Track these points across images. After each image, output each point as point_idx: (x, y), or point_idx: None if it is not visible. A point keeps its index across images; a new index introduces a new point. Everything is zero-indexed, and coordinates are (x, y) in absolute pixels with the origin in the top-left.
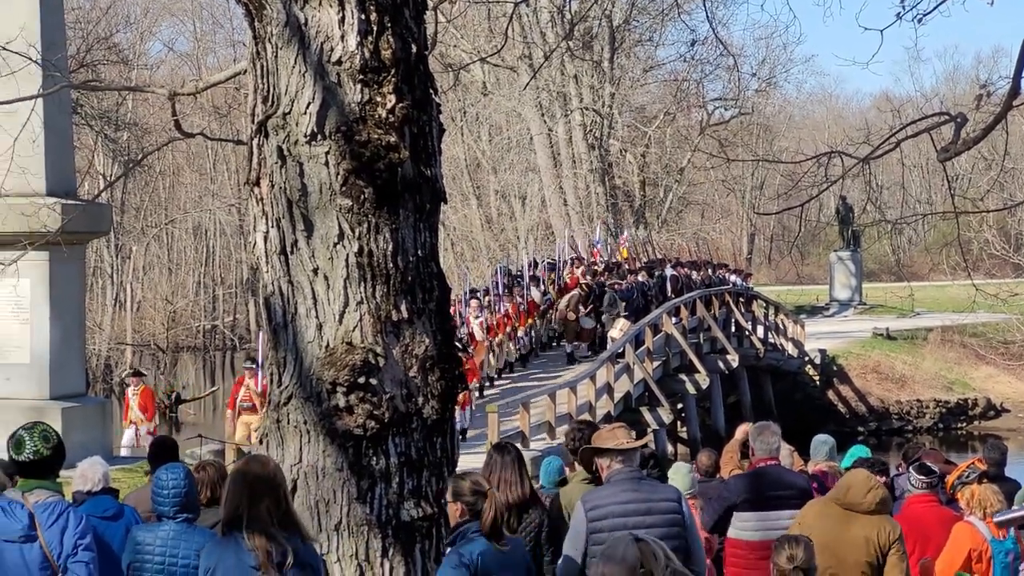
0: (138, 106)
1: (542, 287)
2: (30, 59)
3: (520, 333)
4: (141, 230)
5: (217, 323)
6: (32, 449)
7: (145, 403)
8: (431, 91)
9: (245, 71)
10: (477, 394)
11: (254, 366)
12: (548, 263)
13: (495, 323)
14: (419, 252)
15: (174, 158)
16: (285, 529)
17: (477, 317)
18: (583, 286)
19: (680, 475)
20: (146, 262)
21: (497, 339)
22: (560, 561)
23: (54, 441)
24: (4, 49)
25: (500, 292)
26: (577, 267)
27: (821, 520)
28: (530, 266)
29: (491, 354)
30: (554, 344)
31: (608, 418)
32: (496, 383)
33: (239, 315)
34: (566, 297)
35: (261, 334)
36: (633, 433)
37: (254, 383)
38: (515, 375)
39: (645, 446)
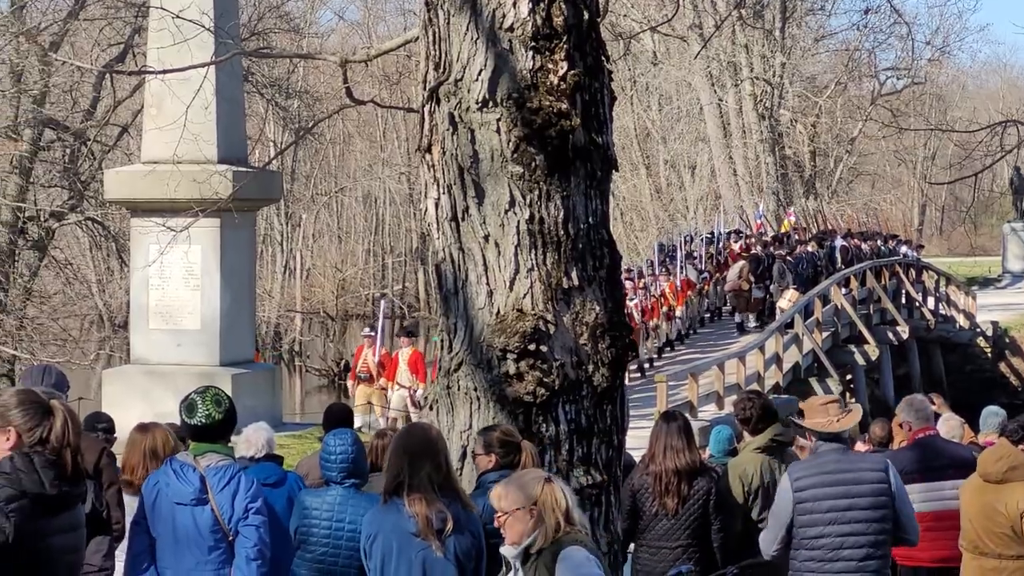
0: (308, 74)
1: (698, 264)
2: (203, 27)
3: (677, 313)
4: (311, 198)
5: (386, 291)
6: (204, 413)
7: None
8: (603, 58)
9: (416, 38)
10: (638, 373)
11: (373, 334)
12: (707, 237)
13: (650, 305)
14: (590, 219)
15: (344, 126)
16: (445, 495)
17: (632, 299)
18: (751, 257)
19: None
20: (316, 230)
21: (653, 322)
22: (764, 532)
23: (226, 405)
24: (178, 17)
25: (656, 272)
26: (735, 241)
27: (969, 493)
28: (686, 241)
29: (648, 337)
30: (712, 319)
31: (777, 389)
32: (661, 357)
33: (408, 284)
34: (736, 266)
35: (382, 303)
36: (842, 408)
37: (371, 353)
38: (684, 346)
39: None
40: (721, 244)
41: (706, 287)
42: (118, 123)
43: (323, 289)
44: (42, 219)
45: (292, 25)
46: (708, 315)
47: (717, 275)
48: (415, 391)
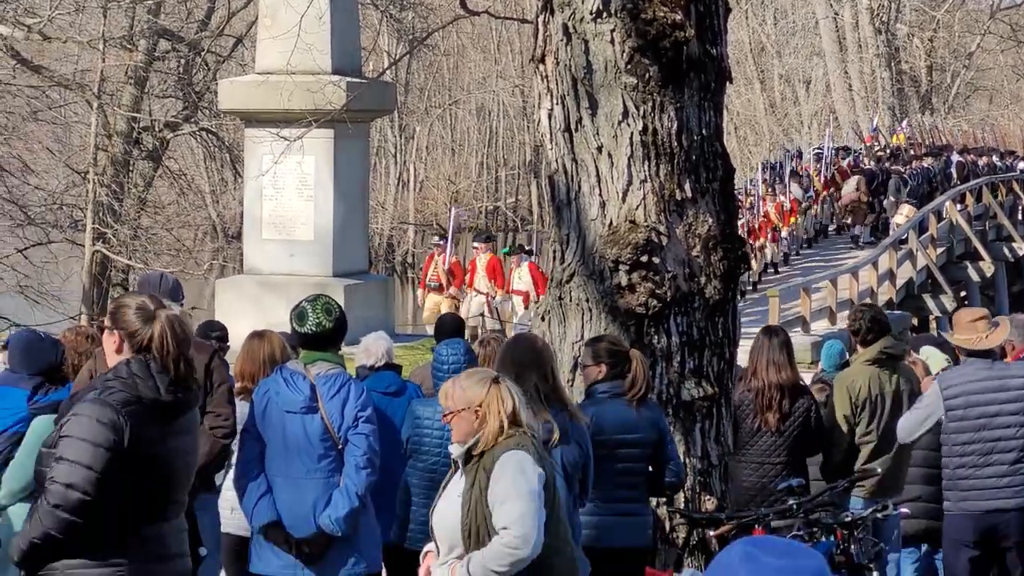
0: None
1: (804, 182)
2: None
3: (783, 234)
4: (425, 110)
5: (499, 204)
6: (314, 321)
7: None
8: None
9: None
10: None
11: (442, 243)
12: (815, 152)
13: (757, 226)
14: (703, 131)
15: (459, 38)
16: (552, 406)
17: (739, 219)
18: (865, 171)
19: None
20: (429, 142)
21: (759, 243)
22: (906, 417)
23: (336, 313)
24: None
25: (761, 191)
26: (843, 157)
27: None
28: (793, 158)
29: (752, 258)
30: (817, 239)
31: (890, 305)
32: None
33: (521, 196)
34: (852, 180)
35: (452, 210)
36: (990, 324)
37: (442, 261)
38: (787, 267)
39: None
40: (830, 160)
41: (813, 205)
42: (232, 33)
43: (436, 201)
44: (156, 129)
45: None
46: (814, 235)
47: (824, 193)
48: (493, 297)
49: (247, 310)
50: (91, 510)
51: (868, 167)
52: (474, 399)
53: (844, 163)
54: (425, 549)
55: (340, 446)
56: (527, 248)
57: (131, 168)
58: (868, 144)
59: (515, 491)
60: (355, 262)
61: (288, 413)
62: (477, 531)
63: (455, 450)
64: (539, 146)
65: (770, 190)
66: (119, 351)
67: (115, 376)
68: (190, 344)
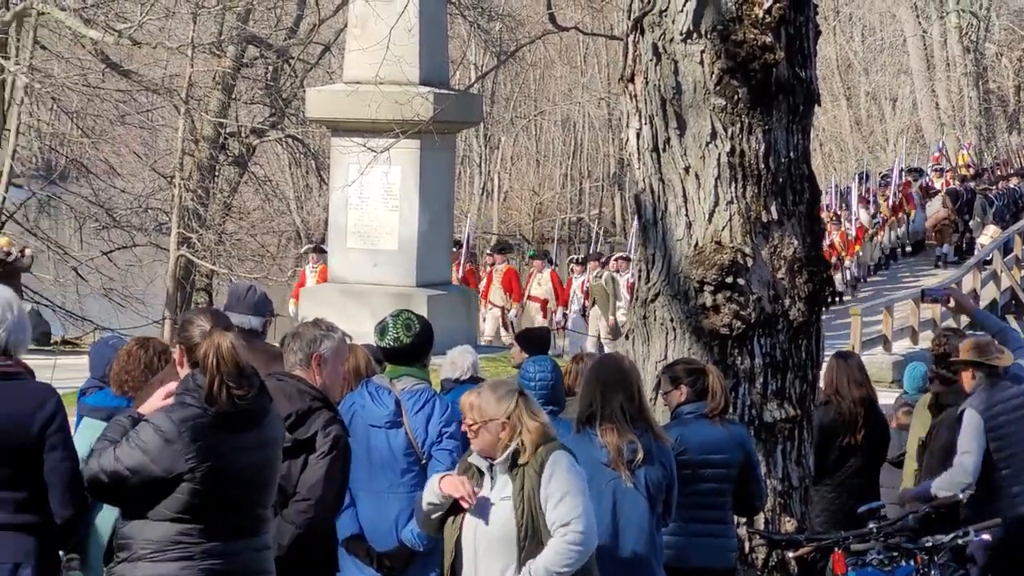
0: None
1: (871, 208)
2: None
3: (847, 263)
4: (510, 121)
5: (583, 215)
6: (393, 336)
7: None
8: None
9: None
10: None
11: (455, 251)
12: (882, 176)
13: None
14: (791, 154)
15: (546, 50)
16: (637, 426)
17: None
18: (950, 191)
19: None
20: (514, 153)
21: None
22: (960, 457)
23: (415, 329)
24: None
25: (827, 218)
26: (915, 179)
27: None
28: (861, 180)
29: None
30: (885, 266)
31: (972, 325)
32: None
33: (604, 208)
34: (937, 199)
35: (468, 219)
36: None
37: (455, 269)
38: (879, 278)
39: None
40: (898, 183)
41: (880, 232)
42: (320, 41)
43: (520, 212)
44: (243, 135)
45: None
46: (882, 261)
47: (893, 218)
48: (508, 310)
49: (332, 319)
50: (112, 496)
51: (952, 186)
52: (502, 411)
53: (916, 185)
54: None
55: (423, 461)
56: (550, 257)
57: (217, 173)
58: (935, 163)
59: (572, 488)
60: (439, 272)
61: (373, 427)
62: (535, 531)
63: (482, 462)
64: (624, 160)
65: (834, 217)
66: (181, 364)
67: (184, 390)
68: (238, 367)
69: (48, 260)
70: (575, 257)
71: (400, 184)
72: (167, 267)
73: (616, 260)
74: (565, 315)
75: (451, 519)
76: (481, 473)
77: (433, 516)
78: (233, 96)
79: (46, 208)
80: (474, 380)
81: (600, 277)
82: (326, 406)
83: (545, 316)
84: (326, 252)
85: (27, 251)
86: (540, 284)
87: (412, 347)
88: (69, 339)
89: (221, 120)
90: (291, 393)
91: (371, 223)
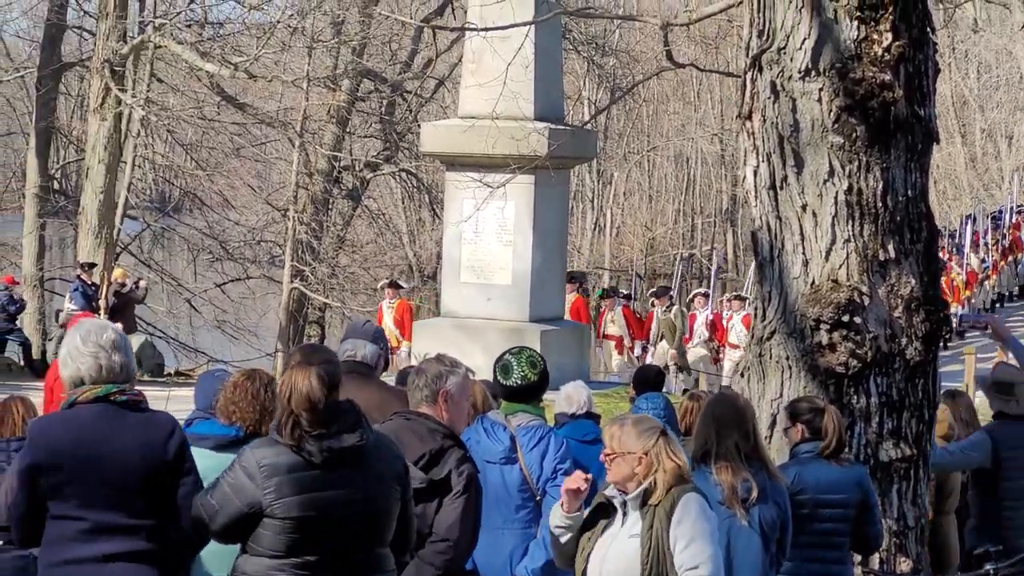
0: (626, 33)
1: (981, 252)
2: None
3: (953, 310)
4: (623, 156)
5: (694, 251)
6: (520, 375)
7: (402, 317)
8: (928, 29)
9: (738, 3)
10: None
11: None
12: (992, 216)
13: None
14: (908, 192)
15: (659, 86)
16: (752, 465)
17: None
18: None
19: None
20: (627, 188)
21: None
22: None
23: (540, 367)
24: None
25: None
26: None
27: None
28: (967, 221)
29: None
30: (994, 308)
31: None
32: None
33: (717, 244)
34: None
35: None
36: None
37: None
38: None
39: None
40: (1008, 224)
41: (991, 275)
42: (435, 76)
43: (632, 247)
44: (357, 169)
45: None
46: (991, 304)
47: (1003, 263)
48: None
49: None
50: (207, 529)
51: None
52: (641, 446)
53: None
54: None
55: (538, 497)
56: (623, 292)
57: (330, 207)
58: None
59: (701, 531)
60: (551, 308)
61: (488, 463)
62: (659, 573)
63: (617, 496)
64: (736, 196)
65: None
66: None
67: (275, 426)
68: (310, 403)
69: (162, 292)
70: (699, 291)
71: (514, 219)
72: (280, 300)
73: (730, 300)
74: (644, 348)
75: (580, 550)
76: (614, 508)
77: (564, 540)
78: (348, 130)
79: (160, 240)
80: (589, 415)
81: (669, 311)
82: (457, 444)
83: (621, 353)
84: (402, 287)
85: (142, 283)
86: (613, 321)
87: (536, 385)
88: (182, 371)
89: (335, 153)
90: (422, 432)
91: (485, 258)
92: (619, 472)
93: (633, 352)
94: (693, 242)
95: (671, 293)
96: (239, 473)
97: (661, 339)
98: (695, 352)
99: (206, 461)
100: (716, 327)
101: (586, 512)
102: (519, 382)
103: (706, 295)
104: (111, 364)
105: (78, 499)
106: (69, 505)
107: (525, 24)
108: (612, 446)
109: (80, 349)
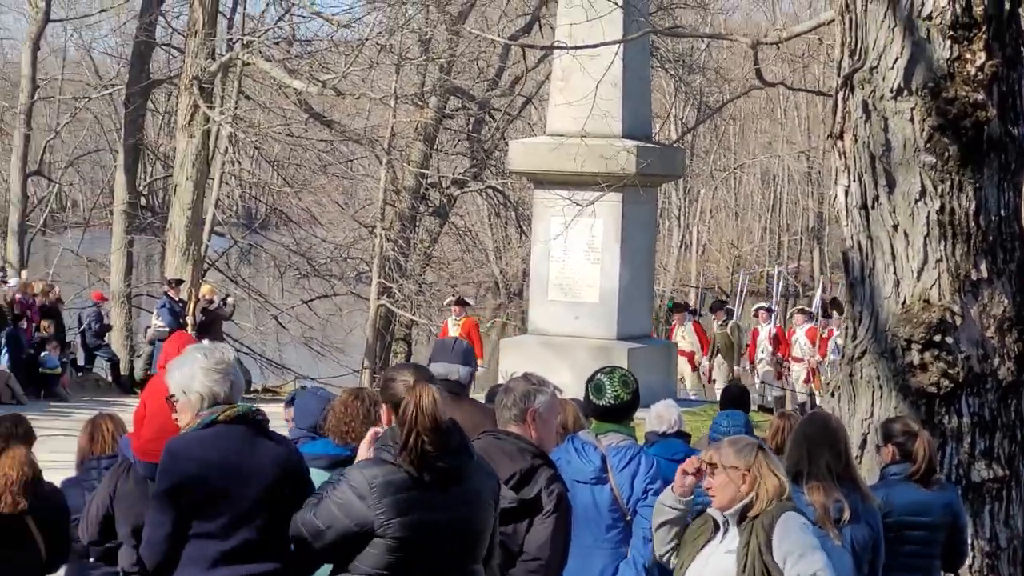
0: (713, 51)
1: None
2: (617, 4)
3: None
4: (710, 174)
5: (781, 269)
6: (612, 394)
7: (468, 335)
8: (1021, 49)
9: (828, 22)
10: None
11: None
12: None
13: None
14: (1001, 212)
15: (746, 103)
16: (844, 485)
17: None
18: None
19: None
20: (713, 205)
21: None
22: None
23: (633, 386)
24: None
25: None
26: None
27: None
28: None
29: None
30: None
31: None
32: None
33: (803, 262)
34: None
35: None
36: None
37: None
38: None
39: None
40: None
41: None
42: (522, 93)
43: (718, 265)
44: (444, 186)
45: (699, 1)
46: None
47: None
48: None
49: (533, 371)
50: (311, 549)
51: None
52: (743, 462)
53: None
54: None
55: (628, 517)
56: (692, 307)
57: (417, 224)
58: None
59: (810, 544)
60: (639, 326)
61: (578, 483)
62: None
63: (718, 513)
64: (823, 214)
65: None
66: (389, 422)
67: (383, 444)
68: (435, 422)
69: (249, 308)
70: (762, 306)
71: (602, 237)
72: (367, 317)
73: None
74: (752, 365)
75: (680, 565)
76: (716, 526)
77: (672, 532)
78: (435, 147)
79: (247, 256)
80: (680, 434)
81: (725, 326)
82: (546, 463)
83: (694, 369)
84: (468, 305)
85: (229, 299)
86: (684, 337)
87: (628, 405)
88: (269, 387)
89: (422, 171)
90: (511, 452)
91: (573, 275)
92: (724, 492)
93: (701, 367)
94: (779, 259)
95: (727, 307)
96: (347, 492)
97: (717, 354)
98: (760, 367)
99: (320, 480)
100: (780, 341)
101: (691, 520)
102: (611, 401)
103: (769, 310)
104: (240, 384)
105: (221, 518)
106: (212, 524)
107: (616, 43)
108: (714, 462)
109: (210, 368)
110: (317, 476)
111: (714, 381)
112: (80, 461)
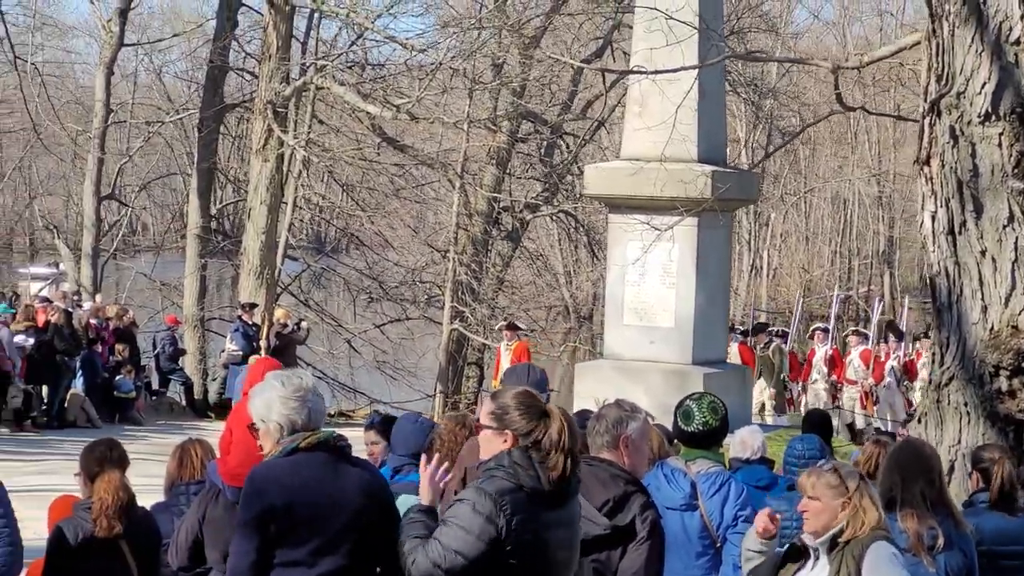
0: (784, 74)
1: None
2: (695, 28)
3: None
4: (780, 197)
5: (851, 294)
6: (701, 421)
7: (519, 360)
8: None
9: (910, 46)
10: None
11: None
12: None
13: None
14: None
15: (816, 127)
16: (938, 512)
17: None
18: None
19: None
20: (783, 229)
21: None
22: None
23: (721, 412)
24: (671, 19)
25: None
26: None
27: None
28: None
29: None
30: None
31: None
32: None
33: (874, 286)
34: None
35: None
36: None
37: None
38: None
39: None
40: None
41: None
42: (593, 117)
43: (788, 289)
44: (516, 210)
45: (770, 24)
46: None
47: None
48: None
49: (608, 395)
50: None
51: None
52: (844, 490)
53: None
54: None
55: (718, 544)
56: (741, 328)
57: (489, 248)
58: None
59: (900, 574)
60: (714, 350)
61: (668, 509)
62: None
63: (809, 539)
64: (893, 238)
65: None
66: (509, 450)
67: (496, 465)
68: (577, 440)
69: (321, 332)
70: (819, 326)
71: (678, 261)
72: (438, 340)
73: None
74: (804, 387)
75: None
76: (807, 551)
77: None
78: (507, 171)
79: (319, 280)
80: (763, 460)
81: (767, 348)
82: (639, 490)
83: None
84: (520, 329)
85: (303, 324)
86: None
87: (716, 431)
88: (344, 411)
89: (495, 195)
90: (604, 478)
91: (648, 300)
92: (820, 519)
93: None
94: (849, 283)
95: (769, 329)
96: (474, 517)
97: (759, 376)
98: (813, 389)
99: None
100: (836, 363)
101: (779, 551)
102: (700, 428)
103: (825, 330)
104: (320, 409)
105: (308, 545)
106: (298, 552)
107: (698, 67)
108: (811, 493)
109: (287, 396)
110: None
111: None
112: (169, 486)
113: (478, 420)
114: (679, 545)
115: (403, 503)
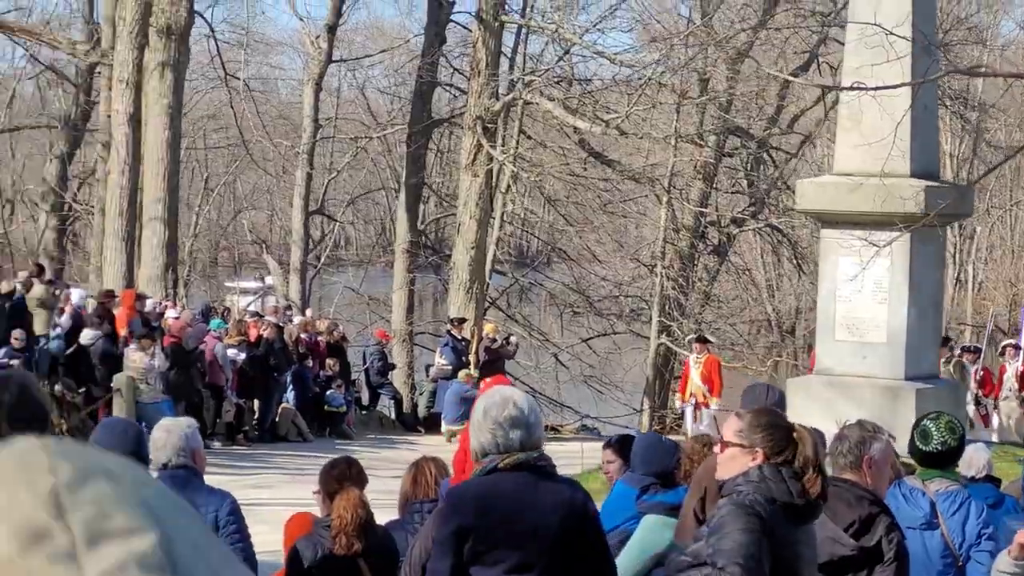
0: (988, 87)
1: None
2: (913, 41)
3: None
4: (986, 210)
5: None
6: (939, 440)
7: (710, 373)
8: None
9: None
10: None
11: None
12: None
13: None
14: None
15: (1022, 139)
16: None
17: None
18: None
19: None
20: (989, 243)
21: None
22: None
23: (959, 432)
24: (891, 34)
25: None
26: None
27: None
28: None
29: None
30: None
31: None
32: None
33: None
34: None
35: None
36: None
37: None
38: None
39: None
40: None
41: None
42: (799, 131)
43: (994, 303)
44: (722, 224)
45: (978, 37)
46: None
47: None
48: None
49: (818, 411)
50: None
51: None
52: None
53: None
54: None
55: (960, 563)
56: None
57: (696, 262)
58: None
59: None
60: (926, 366)
61: (908, 528)
62: None
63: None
64: None
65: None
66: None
67: (745, 480)
68: (824, 459)
69: (528, 346)
70: (1010, 343)
71: (890, 277)
72: (644, 355)
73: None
74: (996, 404)
75: None
76: None
77: None
78: (714, 185)
79: (525, 294)
80: (989, 479)
81: (949, 363)
82: (884, 511)
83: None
84: (711, 342)
85: (512, 339)
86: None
87: (954, 450)
88: (552, 425)
89: (702, 209)
90: (849, 499)
91: (860, 315)
92: None
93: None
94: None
95: (951, 344)
96: (746, 536)
97: None
98: (1006, 405)
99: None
100: None
101: None
102: (939, 447)
103: (1017, 347)
104: (508, 442)
105: (504, 565)
106: (494, 571)
107: (919, 83)
108: None
109: (481, 423)
110: (669, 525)
111: None
112: (403, 503)
113: (721, 438)
114: (919, 564)
115: (648, 523)
